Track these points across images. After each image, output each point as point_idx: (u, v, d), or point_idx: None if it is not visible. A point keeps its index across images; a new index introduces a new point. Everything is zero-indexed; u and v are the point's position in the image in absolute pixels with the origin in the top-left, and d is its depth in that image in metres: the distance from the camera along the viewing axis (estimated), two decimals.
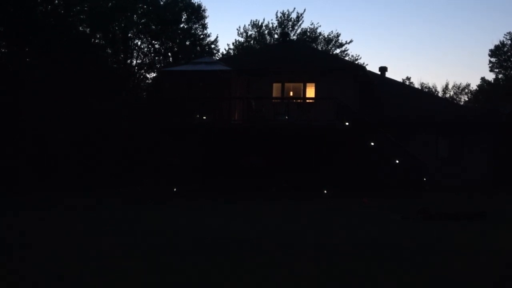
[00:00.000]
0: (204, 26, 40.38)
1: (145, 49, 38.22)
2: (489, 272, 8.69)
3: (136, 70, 38.13)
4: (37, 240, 11.42)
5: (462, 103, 55.36)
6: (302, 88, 25.68)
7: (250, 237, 11.92)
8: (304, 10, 54.37)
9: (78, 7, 32.98)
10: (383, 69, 33.01)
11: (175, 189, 22.91)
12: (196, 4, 39.90)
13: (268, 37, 47.76)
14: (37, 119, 27.30)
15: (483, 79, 57.04)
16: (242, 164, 24.05)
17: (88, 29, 34.25)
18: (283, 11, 48.21)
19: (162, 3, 38.22)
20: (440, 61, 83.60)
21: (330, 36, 47.98)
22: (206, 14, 40.48)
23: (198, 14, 39.84)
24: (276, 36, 46.87)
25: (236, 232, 12.62)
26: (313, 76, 25.40)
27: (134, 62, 37.90)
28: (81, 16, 33.58)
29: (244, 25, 54.17)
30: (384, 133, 23.55)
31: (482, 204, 18.18)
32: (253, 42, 47.67)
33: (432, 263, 9.29)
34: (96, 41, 35.14)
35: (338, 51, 47.83)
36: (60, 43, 29.36)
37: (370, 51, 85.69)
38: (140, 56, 38.12)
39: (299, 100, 24.69)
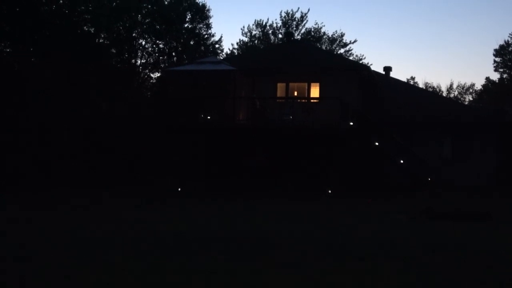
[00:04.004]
0: (208, 26, 40.43)
1: (150, 48, 38.29)
2: (491, 272, 8.68)
3: (140, 70, 38.20)
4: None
5: (466, 103, 55.22)
6: (306, 88, 25.65)
7: (253, 236, 11.93)
8: (308, 10, 54.00)
9: (83, 6, 33.06)
10: (387, 69, 33.00)
11: (179, 189, 22.96)
12: (200, 3, 39.98)
13: (272, 36, 47.74)
14: (42, 118, 27.42)
15: (487, 78, 56.95)
16: (246, 164, 24.05)
17: (93, 29, 34.31)
18: (287, 10, 48.21)
19: (166, 2, 38.25)
20: (444, 61, 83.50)
21: (334, 36, 47.96)
22: (210, 13, 40.58)
23: (202, 13, 39.87)
24: (280, 36, 46.83)
25: (239, 232, 12.63)
26: (317, 76, 25.36)
27: (139, 61, 38.00)
28: (86, 16, 33.66)
29: (248, 25, 54.29)
30: (389, 133, 23.52)
31: (487, 204, 18.15)
32: (257, 42, 47.65)
33: (436, 263, 9.28)
34: (101, 40, 35.22)
35: (342, 51, 47.81)
36: (64, 42, 29.44)
37: (374, 51, 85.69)
38: (145, 55, 38.20)
39: (303, 100, 24.66)
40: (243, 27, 59.16)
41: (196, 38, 39.50)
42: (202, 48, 39.49)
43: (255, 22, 48.76)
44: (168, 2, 38.32)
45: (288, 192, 22.14)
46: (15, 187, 23.64)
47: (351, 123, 22.41)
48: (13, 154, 26.45)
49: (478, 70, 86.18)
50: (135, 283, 7.91)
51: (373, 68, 33.10)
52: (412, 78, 60.67)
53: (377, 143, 23.12)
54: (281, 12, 53.72)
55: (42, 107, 27.63)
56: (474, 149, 25.82)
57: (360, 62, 44.93)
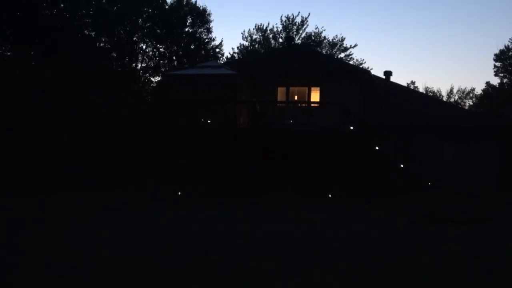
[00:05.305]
0: (209, 30, 40.53)
1: (150, 52, 38.39)
2: (492, 275, 8.69)
3: (141, 74, 38.27)
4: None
5: (467, 108, 55.27)
6: (307, 92, 25.69)
7: (252, 238, 11.93)
8: (309, 14, 54.01)
9: (84, 10, 33.14)
10: (387, 73, 33.02)
11: (179, 193, 22.95)
12: (201, 8, 40.09)
13: (272, 41, 47.83)
14: (42, 120, 27.48)
15: (488, 83, 57.01)
16: (246, 167, 24.02)
17: (94, 33, 34.39)
18: (287, 15, 48.29)
19: (167, 7, 38.36)
20: (445, 66, 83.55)
21: (334, 40, 48.05)
22: (211, 18, 40.66)
23: (203, 18, 39.96)
24: (280, 40, 46.92)
25: (238, 233, 12.62)
26: (317, 80, 25.40)
27: (139, 65, 38.06)
28: (87, 20, 33.75)
29: (249, 29, 54.20)
30: (389, 137, 23.54)
31: (488, 208, 18.13)
32: (258, 46, 47.72)
33: (436, 266, 9.28)
34: (101, 44, 35.29)
35: (342, 55, 47.89)
36: (65, 46, 29.51)
37: (374, 55, 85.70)
38: (145, 59, 38.28)
39: (303, 104, 24.70)
40: (244, 31, 59.38)
41: (197, 42, 39.58)
42: (203, 52, 39.58)
43: (255, 26, 48.99)
44: (169, 7, 38.43)
45: (288, 195, 22.12)
46: (14, 187, 23.66)
47: (352, 127, 22.43)
48: (12, 154, 26.48)
49: (478, 74, 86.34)
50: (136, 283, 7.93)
51: (373, 72, 33.17)
52: (413, 83, 60.76)
53: (377, 147, 23.13)
54: (281, 16, 54.02)
55: (42, 107, 27.67)
56: (475, 153, 25.80)
57: (361, 66, 44.99)
